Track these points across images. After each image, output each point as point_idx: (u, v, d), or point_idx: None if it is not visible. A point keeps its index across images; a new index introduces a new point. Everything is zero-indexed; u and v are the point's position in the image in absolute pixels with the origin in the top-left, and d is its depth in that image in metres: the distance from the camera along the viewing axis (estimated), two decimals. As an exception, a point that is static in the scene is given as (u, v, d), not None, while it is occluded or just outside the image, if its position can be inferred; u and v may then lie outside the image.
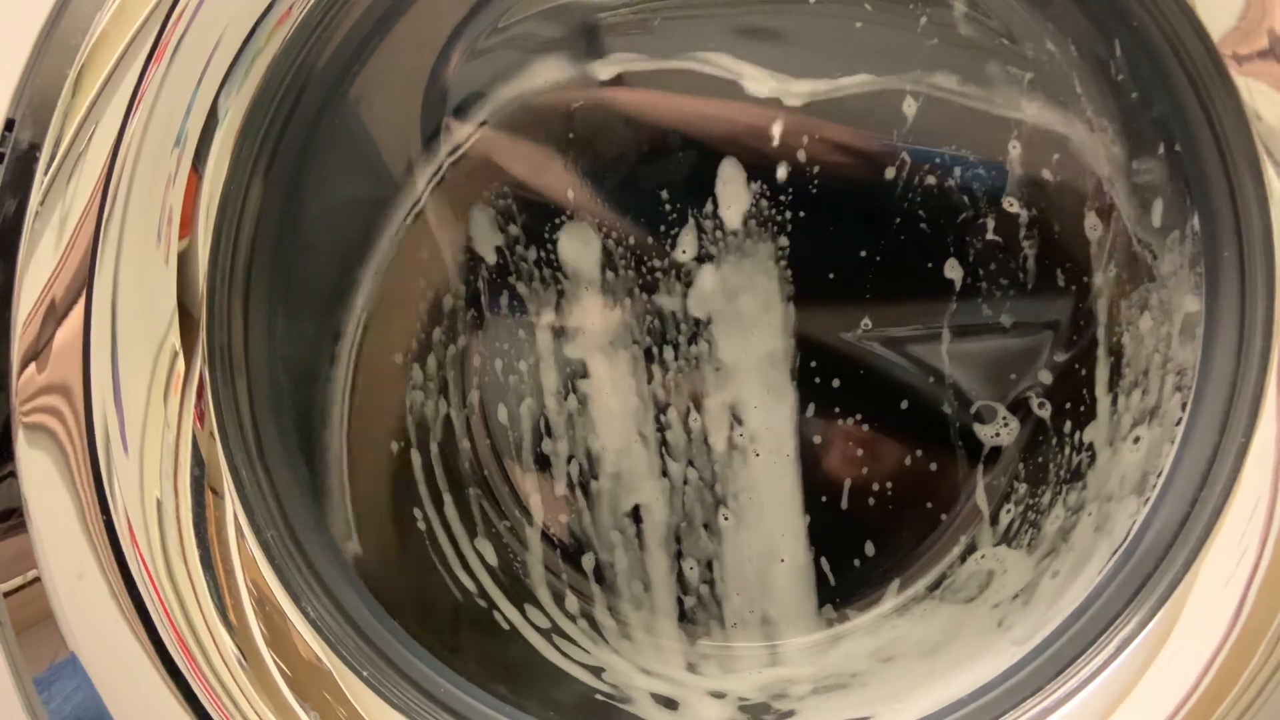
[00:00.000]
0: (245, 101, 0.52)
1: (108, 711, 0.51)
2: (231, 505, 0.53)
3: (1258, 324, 0.50)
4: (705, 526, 0.63)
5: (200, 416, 0.52)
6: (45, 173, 0.50)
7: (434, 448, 0.62)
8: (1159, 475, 0.54)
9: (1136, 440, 0.57)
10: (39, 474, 0.51)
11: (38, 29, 0.51)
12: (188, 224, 0.52)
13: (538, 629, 0.62)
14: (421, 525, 0.62)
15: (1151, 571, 0.52)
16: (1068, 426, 0.59)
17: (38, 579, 0.51)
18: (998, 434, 0.60)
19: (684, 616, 0.63)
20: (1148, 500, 0.54)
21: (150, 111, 0.50)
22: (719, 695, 0.61)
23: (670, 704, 0.60)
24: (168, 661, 0.51)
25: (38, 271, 0.50)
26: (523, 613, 0.62)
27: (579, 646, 0.62)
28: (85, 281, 0.50)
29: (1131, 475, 0.56)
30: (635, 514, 0.63)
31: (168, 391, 0.51)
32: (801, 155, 0.58)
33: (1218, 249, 0.52)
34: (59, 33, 0.51)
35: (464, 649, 0.60)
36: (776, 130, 0.58)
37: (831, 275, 0.60)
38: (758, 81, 0.58)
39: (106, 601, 0.50)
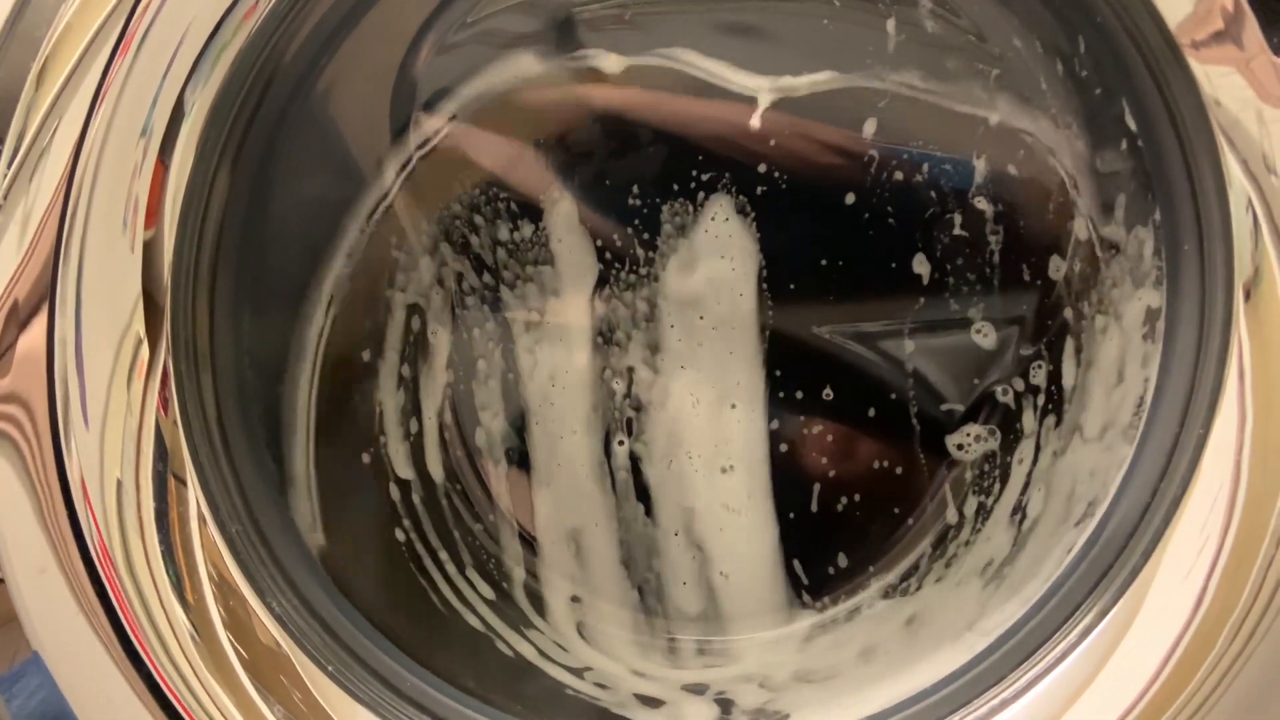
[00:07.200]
0: (212, 94, 0.52)
1: (69, 707, 0.50)
2: (194, 494, 0.52)
3: (1217, 317, 0.51)
4: (678, 525, 0.63)
5: (164, 404, 0.52)
6: (9, 165, 0.50)
7: (405, 450, 0.62)
8: (1120, 466, 0.55)
9: (1100, 431, 0.57)
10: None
11: (0, 21, 0.51)
12: (153, 214, 0.51)
13: (514, 628, 0.62)
14: (401, 537, 0.62)
15: (1112, 562, 0.52)
16: (1033, 420, 0.60)
17: (1, 581, 0.51)
18: (961, 445, 0.61)
19: (660, 613, 0.63)
20: (1110, 490, 0.55)
21: (116, 104, 0.50)
22: (698, 690, 0.61)
23: (650, 701, 0.60)
24: (130, 653, 0.50)
25: (2, 264, 0.50)
26: (500, 615, 0.62)
27: (557, 644, 0.62)
28: (51, 265, 0.50)
29: (1094, 466, 0.57)
30: (609, 515, 0.63)
31: (131, 376, 0.51)
32: (771, 150, 0.58)
33: (1178, 243, 0.53)
34: (23, 25, 0.51)
35: (432, 644, 0.60)
36: (746, 125, 0.58)
37: (801, 271, 0.60)
38: (727, 77, 0.58)
39: (66, 596, 0.50)
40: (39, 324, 0.50)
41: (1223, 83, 0.48)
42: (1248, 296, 0.49)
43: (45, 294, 0.50)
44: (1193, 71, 0.48)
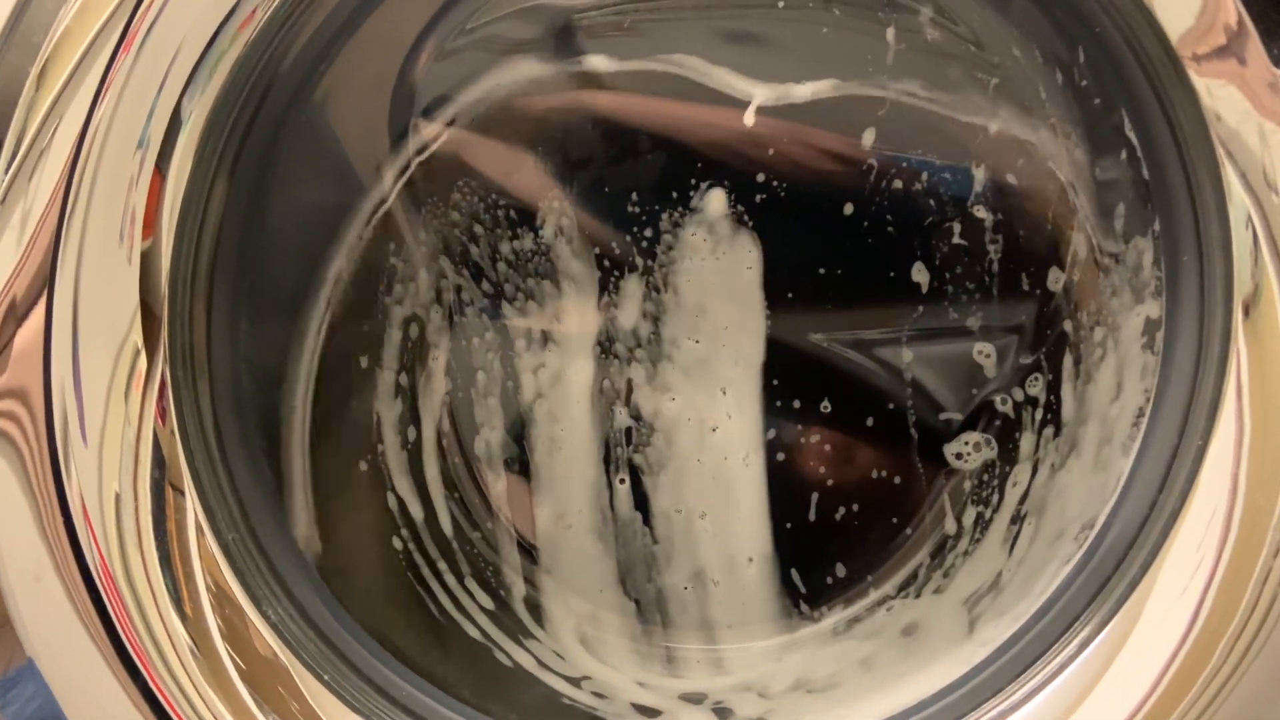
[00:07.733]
0: (209, 102, 0.52)
1: (64, 715, 0.50)
2: (192, 504, 0.52)
3: (1216, 328, 0.51)
4: (676, 533, 0.63)
5: (162, 414, 0.52)
6: (6, 170, 0.50)
7: (403, 459, 0.62)
8: (1119, 479, 0.55)
9: (1099, 443, 0.57)
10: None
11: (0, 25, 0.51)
12: (151, 223, 0.51)
13: (512, 638, 0.62)
14: (399, 546, 0.62)
15: (1110, 574, 0.53)
16: (1032, 431, 0.60)
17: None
18: (960, 454, 0.61)
19: (659, 623, 0.63)
20: (1108, 503, 0.55)
21: (114, 109, 0.50)
22: (696, 700, 0.61)
23: (648, 711, 0.60)
24: (127, 662, 0.50)
25: (1, 262, 0.50)
26: (498, 625, 0.62)
27: (555, 654, 0.62)
28: (47, 277, 0.50)
29: (1092, 478, 0.57)
30: (609, 525, 0.63)
31: (129, 388, 0.51)
32: (770, 157, 0.58)
33: (1178, 254, 0.53)
34: (21, 29, 0.51)
35: (430, 654, 0.60)
36: (745, 132, 0.58)
37: (799, 278, 0.60)
38: (727, 84, 0.58)
39: (63, 603, 0.50)
40: (37, 322, 0.50)
41: (1223, 97, 0.48)
42: (1247, 313, 0.49)
43: (42, 293, 0.50)
44: (1193, 85, 0.48)
